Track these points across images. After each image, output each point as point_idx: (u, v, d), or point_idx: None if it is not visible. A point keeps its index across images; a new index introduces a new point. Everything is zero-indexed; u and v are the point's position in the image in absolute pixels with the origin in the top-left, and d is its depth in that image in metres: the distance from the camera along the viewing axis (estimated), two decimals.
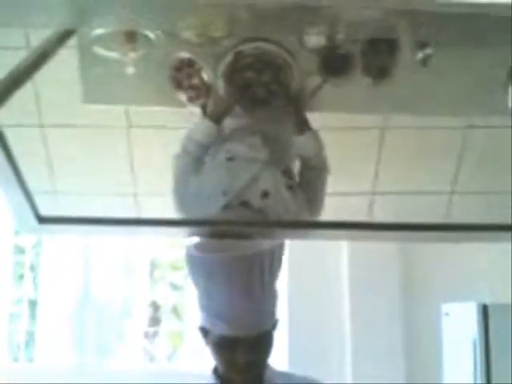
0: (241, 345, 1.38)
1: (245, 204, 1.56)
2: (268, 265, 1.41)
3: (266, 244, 1.41)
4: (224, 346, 1.40)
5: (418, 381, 3.24)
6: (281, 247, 1.48)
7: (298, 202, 1.63)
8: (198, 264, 1.43)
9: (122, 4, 0.94)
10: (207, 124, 1.70)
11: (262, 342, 1.41)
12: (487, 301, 2.63)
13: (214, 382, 1.46)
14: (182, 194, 1.67)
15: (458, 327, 2.76)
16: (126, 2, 0.94)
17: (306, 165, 1.74)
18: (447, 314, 2.85)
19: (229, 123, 1.74)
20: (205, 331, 1.44)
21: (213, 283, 1.40)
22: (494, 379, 2.52)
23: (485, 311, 2.58)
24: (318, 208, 1.70)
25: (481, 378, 2.53)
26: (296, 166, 1.77)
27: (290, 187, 1.63)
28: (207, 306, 1.42)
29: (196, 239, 1.45)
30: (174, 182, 1.70)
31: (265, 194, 1.58)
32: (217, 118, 1.70)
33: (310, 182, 1.72)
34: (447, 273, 3.29)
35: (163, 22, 1.24)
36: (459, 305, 2.77)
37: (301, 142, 1.72)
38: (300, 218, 1.61)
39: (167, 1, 0.97)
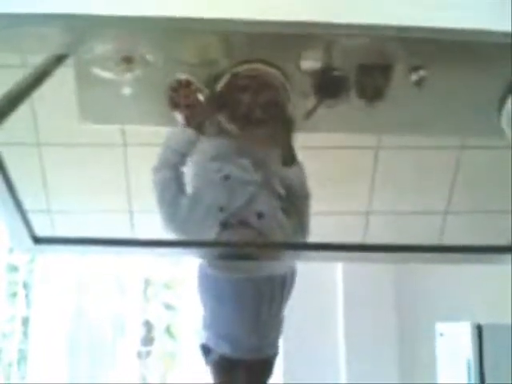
0: (242, 367, 1.38)
1: (243, 223, 1.56)
2: (279, 290, 1.42)
3: (278, 269, 1.41)
4: (225, 367, 1.40)
5: None
6: (292, 274, 1.48)
7: (292, 225, 1.64)
8: (209, 282, 1.43)
9: (119, 30, 0.95)
10: (187, 131, 1.71)
11: (263, 367, 1.41)
12: (482, 321, 2.62)
13: None
14: (172, 215, 1.66)
15: (453, 347, 2.76)
16: (123, 28, 0.95)
17: (290, 193, 1.73)
18: (441, 333, 2.84)
19: (215, 143, 1.75)
20: (206, 350, 1.44)
21: (222, 303, 1.40)
22: None
23: (479, 331, 2.58)
24: (306, 233, 1.70)
25: None
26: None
27: (284, 210, 1.64)
28: (212, 325, 1.42)
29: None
30: (159, 198, 1.69)
31: (260, 215, 1.58)
32: (197, 125, 1.71)
33: (296, 208, 1.71)
34: (442, 292, 3.29)
35: (160, 46, 1.25)
36: (454, 324, 2.76)
37: (288, 173, 1.72)
38: (294, 240, 1.61)
39: (164, 26, 0.98)
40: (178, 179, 1.70)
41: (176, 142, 1.72)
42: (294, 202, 1.72)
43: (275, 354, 1.44)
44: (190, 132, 1.70)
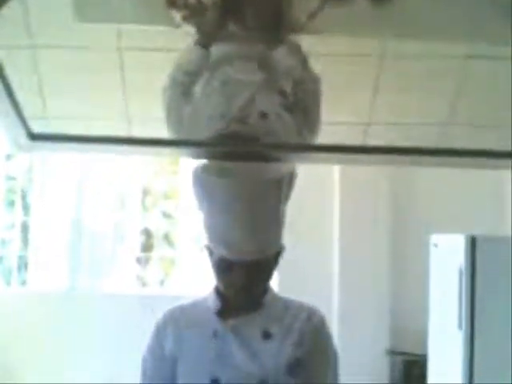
0: (239, 268, 1.40)
1: (243, 122, 1.54)
2: (274, 193, 1.41)
3: (273, 171, 1.41)
4: (223, 268, 1.43)
5: (404, 307, 3.33)
6: (291, 176, 1.47)
7: (296, 122, 1.61)
8: (203, 187, 1.43)
9: None
10: (196, 50, 1.66)
11: (260, 268, 1.43)
12: (476, 232, 2.66)
13: (215, 298, 1.49)
14: (175, 122, 1.65)
15: (446, 258, 2.82)
16: None
17: (294, 80, 1.67)
18: (435, 244, 2.90)
19: (221, 48, 1.70)
20: (209, 250, 1.47)
21: (215, 207, 1.41)
22: (477, 307, 2.59)
23: (473, 243, 2.62)
24: (315, 127, 1.67)
25: (466, 306, 2.60)
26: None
27: (287, 108, 1.61)
28: (210, 228, 1.44)
29: (205, 160, 1.45)
30: (165, 113, 1.68)
31: (263, 115, 1.56)
32: (205, 43, 1.66)
33: (303, 97, 1.66)
34: (437, 204, 3.33)
35: None
36: (448, 236, 2.81)
37: (278, 56, 1.66)
38: (299, 138, 1.59)
39: None
40: (186, 94, 1.68)
41: (185, 63, 1.68)
42: (300, 96, 1.66)
43: (278, 252, 1.46)
44: (198, 50, 1.66)
